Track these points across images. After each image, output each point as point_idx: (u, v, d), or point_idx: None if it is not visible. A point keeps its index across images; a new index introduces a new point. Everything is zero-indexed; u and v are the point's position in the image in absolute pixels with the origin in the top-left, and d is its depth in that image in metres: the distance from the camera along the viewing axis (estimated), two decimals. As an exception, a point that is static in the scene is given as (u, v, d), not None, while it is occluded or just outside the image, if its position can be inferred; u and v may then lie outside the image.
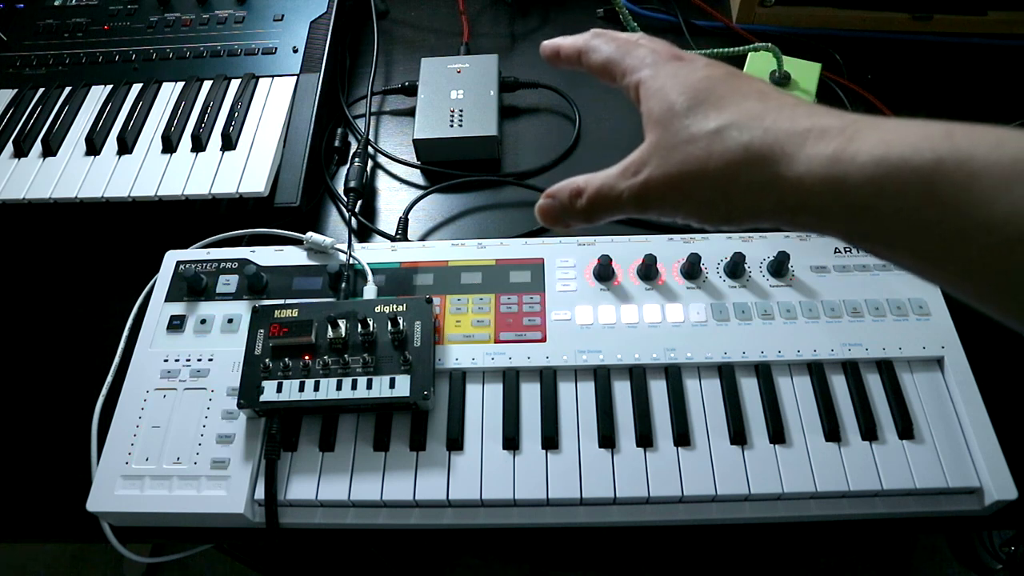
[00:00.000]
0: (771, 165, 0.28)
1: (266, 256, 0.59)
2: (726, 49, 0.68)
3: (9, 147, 0.68)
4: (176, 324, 0.55)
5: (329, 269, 0.56)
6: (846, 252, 0.57)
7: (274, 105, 0.69)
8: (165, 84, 0.72)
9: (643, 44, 0.35)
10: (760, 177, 0.29)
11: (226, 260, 0.59)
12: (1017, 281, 0.24)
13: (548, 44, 0.39)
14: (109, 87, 0.72)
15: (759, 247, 0.57)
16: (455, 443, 0.50)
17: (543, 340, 0.53)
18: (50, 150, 0.67)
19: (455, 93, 0.71)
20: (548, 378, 0.52)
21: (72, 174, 0.65)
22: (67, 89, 0.73)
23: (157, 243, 0.61)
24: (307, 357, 0.50)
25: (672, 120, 0.31)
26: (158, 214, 0.66)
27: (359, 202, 0.66)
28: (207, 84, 0.71)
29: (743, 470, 0.48)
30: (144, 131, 0.68)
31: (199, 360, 0.53)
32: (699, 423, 0.50)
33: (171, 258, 0.60)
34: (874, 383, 0.51)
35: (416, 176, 0.71)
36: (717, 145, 0.30)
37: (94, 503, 0.48)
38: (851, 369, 0.52)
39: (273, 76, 0.71)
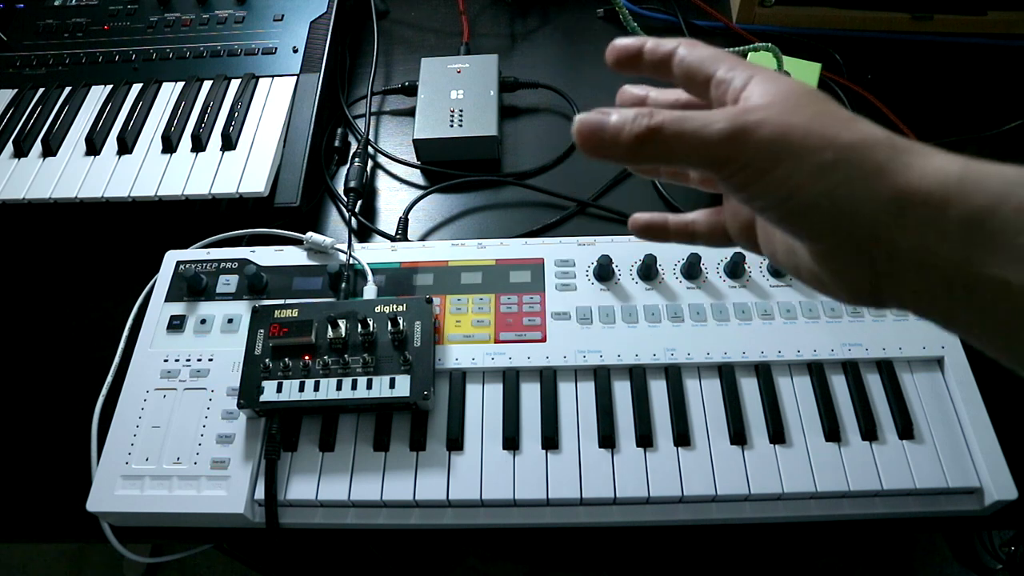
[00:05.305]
0: (909, 156, 0.25)
1: (266, 256, 0.59)
2: (726, 49, 0.68)
3: (9, 147, 0.68)
4: (176, 324, 0.55)
5: (329, 269, 0.56)
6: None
7: (274, 105, 0.69)
8: (165, 84, 0.72)
9: None
10: (891, 162, 0.25)
11: (226, 260, 0.59)
12: None
13: (625, 44, 0.32)
14: (109, 87, 0.72)
15: (759, 247, 0.57)
16: (455, 443, 0.50)
17: (543, 340, 0.53)
18: (50, 150, 0.67)
19: (455, 93, 0.71)
20: (548, 378, 0.52)
21: (72, 174, 0.65)
22: (67, 89, 0.73)
23: (157, 243, 0.61)
24: (307, 357, 0.50)
25: (804, 92, 0.27)
26: (158, 214, 0.66)
27: (359, 202, 0.66)
28: (207, 84, 0.71)
29: (743, 470, 0.48)
30: (144, 131, 0.68)
31: (199, 360, 0.53)
32: (699, 423, 0.50)
33: (171, 258, 0.60)
34: (874, 383, 0.51)
35: (416, 176, 0.71)
36: (859, 123, 0.26)
37: (94, 503, 0.48)
38: (851, 369, 0.52)
39: (273, 76, 0.71)
